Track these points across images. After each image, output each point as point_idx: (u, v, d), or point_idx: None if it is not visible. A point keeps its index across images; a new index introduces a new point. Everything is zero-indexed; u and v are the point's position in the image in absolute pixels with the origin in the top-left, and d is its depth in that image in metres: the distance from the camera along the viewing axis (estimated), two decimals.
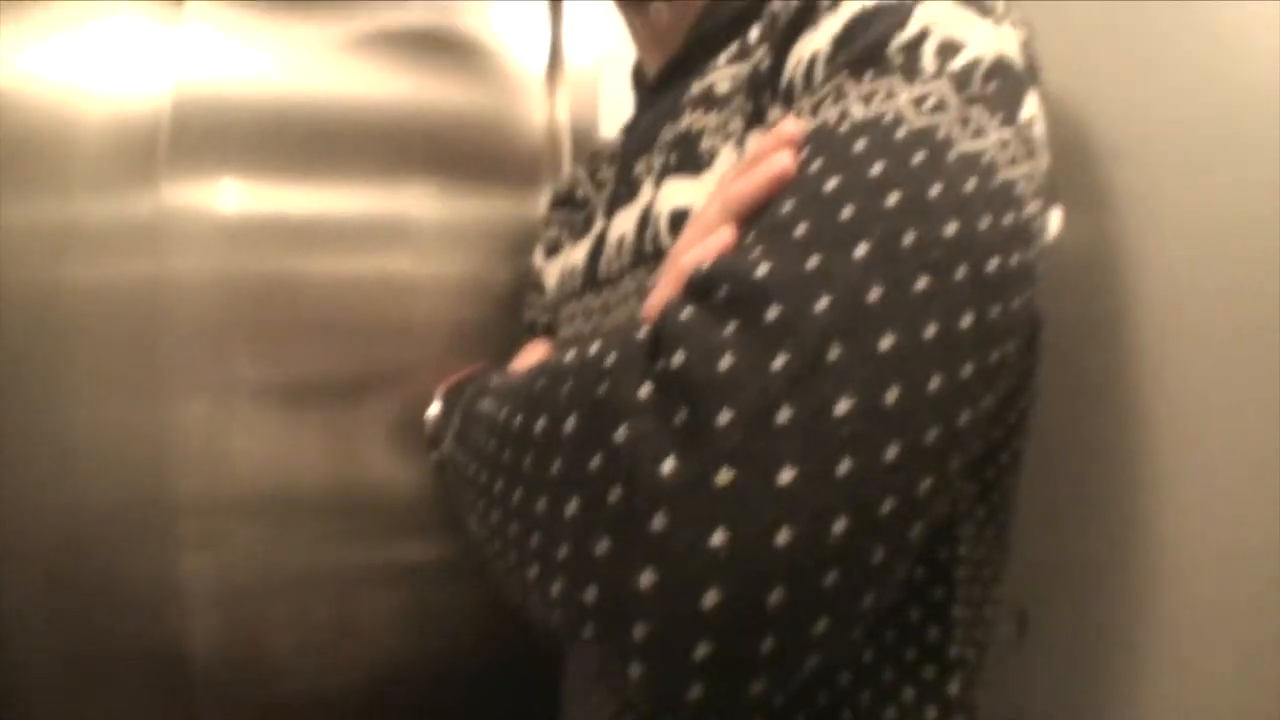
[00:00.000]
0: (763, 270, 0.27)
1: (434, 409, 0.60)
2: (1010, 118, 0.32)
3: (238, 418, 0.74)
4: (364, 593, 0.78)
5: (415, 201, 0.77)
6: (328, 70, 0.78)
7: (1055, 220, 0.37)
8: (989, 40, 0.33)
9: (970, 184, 0.29)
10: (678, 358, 0.26)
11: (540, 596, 0.30)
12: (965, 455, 0.29)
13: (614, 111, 0.73)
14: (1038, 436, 0.45)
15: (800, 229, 0.28)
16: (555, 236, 0.67)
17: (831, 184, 0.29)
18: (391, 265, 0.77)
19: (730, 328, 0.26)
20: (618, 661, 0.26)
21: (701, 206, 0.35)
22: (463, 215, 0.79)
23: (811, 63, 0.36)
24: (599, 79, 0.82)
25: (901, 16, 0.33)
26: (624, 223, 0.49)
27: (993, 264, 0.28)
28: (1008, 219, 0.30)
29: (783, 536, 0.24)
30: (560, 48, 0.83)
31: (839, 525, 0.24)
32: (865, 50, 0.33)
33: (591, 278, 0.52)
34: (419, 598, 0.79)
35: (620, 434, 0.26)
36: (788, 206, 0.29)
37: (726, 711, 0.26)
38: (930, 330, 0.26)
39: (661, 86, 0.54)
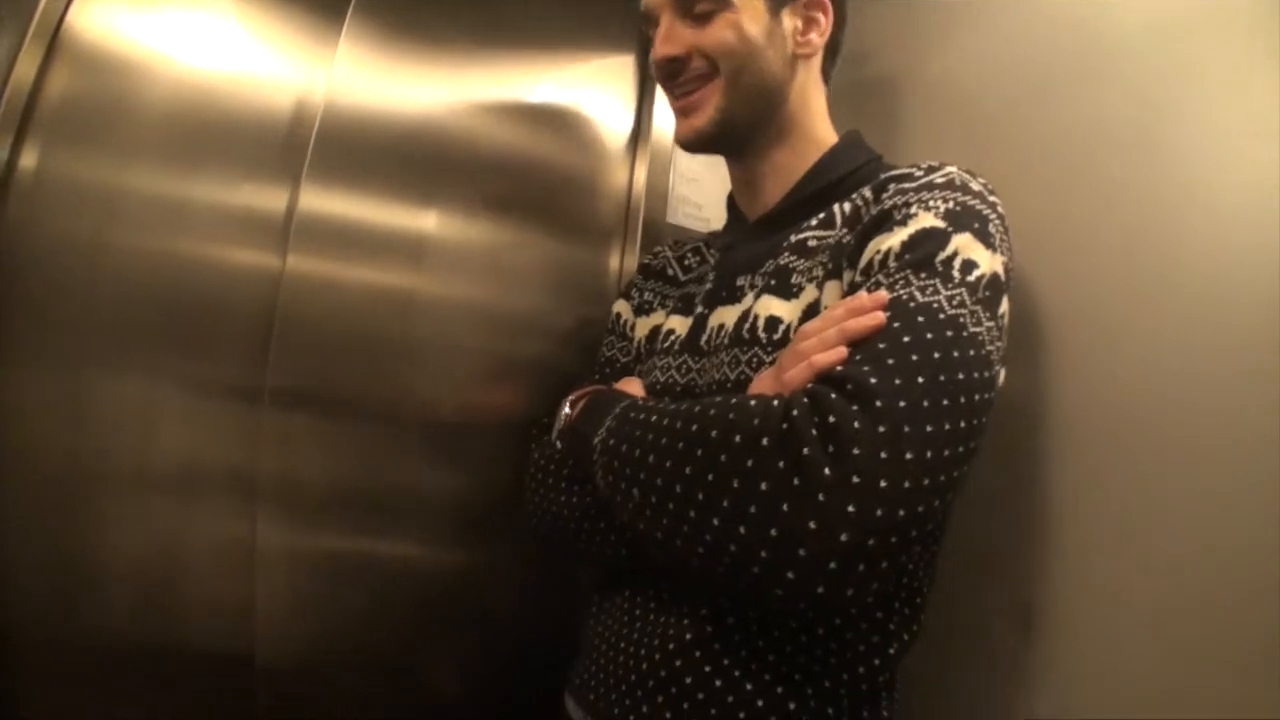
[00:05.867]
0: (872, 380, 0.49)
1: (566, 409, 0.74)
2: (993, 315, 0.55)
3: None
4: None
5: (509, 238, 0.89)
6: (449, 112, 0.92)
7: (1001, 376, 0.59)
8: (988, 262, 0.57)
9: (972, 352, 0.52)
10: (831, 418, 0.48)
11: (718, 537, 0.50)
12: (959, 488, 0.52)
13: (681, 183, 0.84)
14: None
15: (889, 360, 0.50)
16: (648, 300, 0.86)
17: (905, 338, 0.51)
18: (476, 293, 0.88)
19: (855, 406, 0.48)
20: (778, 572, 0.47)
21: (816, 327, 0.56)
22: (548, 257, 0.91)
23: (887, 254, 0.58)
24: (672, 161, 0.93)
25: (943, 241, 0.57)
26: (724, 315, 0.71)
27: (978, 397, 0.52)
28: (987, 373, 0.53)
29: (880, 511, 0.46)
30: (645, 130, 0.94)
31: (902, 512, 0.47)
32: (922, 258, 0.56)
33: (692, 346, 0.73)
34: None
35: (804, 451, 0.47)
36: (881, 345, 0.51)
37: (832, 605, 0.48)
38: (948, 425, 0.49)
39: (760, 227, 0.76)
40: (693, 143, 0.74)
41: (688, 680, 0.60)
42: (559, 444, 0.74)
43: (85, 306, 0.88)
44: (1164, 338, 0.65)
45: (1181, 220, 0.65)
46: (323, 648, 0.89)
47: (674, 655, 0.61)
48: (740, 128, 0.73)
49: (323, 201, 0.90)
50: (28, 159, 0.92)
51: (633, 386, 0.75)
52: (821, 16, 0.75)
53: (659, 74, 0.74)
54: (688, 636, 0.61)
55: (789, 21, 0.73)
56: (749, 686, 0.58)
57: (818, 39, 0.75)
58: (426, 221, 0.90)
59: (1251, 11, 0.63)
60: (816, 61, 0.77)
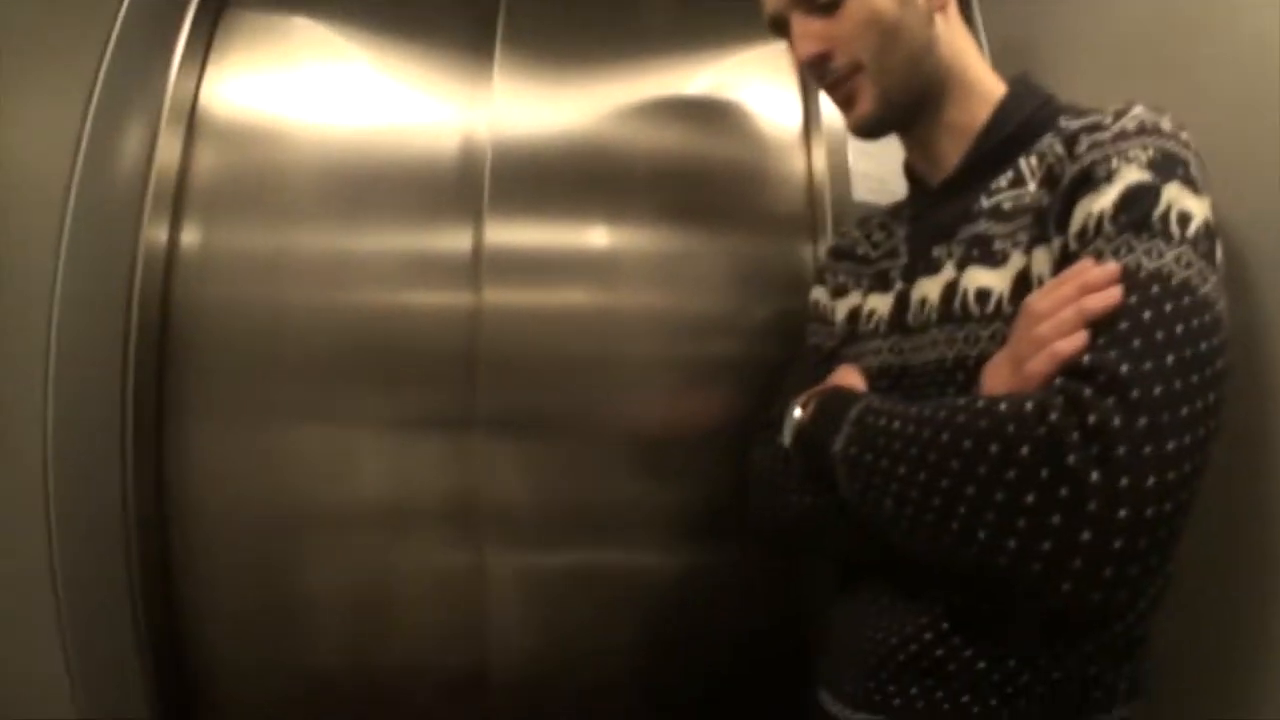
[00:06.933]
0: (1123, 369, 0.48)
1: (797, 413, 0.72)
2: (1214, 266, 0.54)
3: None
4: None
5: (694, 241, 0.92)
6: (616, 126, 0.94)
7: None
8: (1200, 210, 0.55)
9: (1207, 317, 0.51)
10: (1091, 418, 0.47)
11: (984, 552, 0.50)
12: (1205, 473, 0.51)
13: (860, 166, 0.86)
14: None
15: (1135, 342, 0.49)
16: (842, 282, 0.84)
17: (1146, 314, 0.50)
18: (671, 301, 0.92)
19: (1112, 400, 0.47)
20: (1053, 584, 0.47)
21: (1047, 307, 0.54)
22: (736, 254, 0.94)
23: (1100, 217, 0.56)
24: (847, 139, 0.94)
25: (1155, 195, 0.55)
26: (926, 288, 0.69)
27: (1220, 364, 0.50)
28: (1221, 337, 0.51)
29: (1150, 511, 0.45)
30: (814, 112, 0.96)
31: (1170, 506, 0.46)
32: (1139, 217, 0.54)
33: (899, 324, 0.71)
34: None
35: (1069, 459, 0.47)
36: (1124, 325, 0.50)
37: (1108, 610, 0.48)
38: (1200, 403, 0.48)
39: (944, 192, 0.73)
40: (862, 131, 0.74)
41: (950, 665, 0.60)
42: (791, 450, 0.73)
43: (271, 363, 0.93)
44: None
45: None
46: (555, 661, 0.92)
47: (931, 638, 0.61)
48: (904, 103, 0.72)
49: (509, 233, 0.92)
50: (189, 236, 0.96)
51: (850, 376, 0.75)
52: None
53: (809, 74, 0.74)
54: (944, 624, 0.61)
55: None
56: (1011, 662, 0.58)
57: None
58: (611, 236, 0.92)
59: None
60: (953, 8, 0.74)
